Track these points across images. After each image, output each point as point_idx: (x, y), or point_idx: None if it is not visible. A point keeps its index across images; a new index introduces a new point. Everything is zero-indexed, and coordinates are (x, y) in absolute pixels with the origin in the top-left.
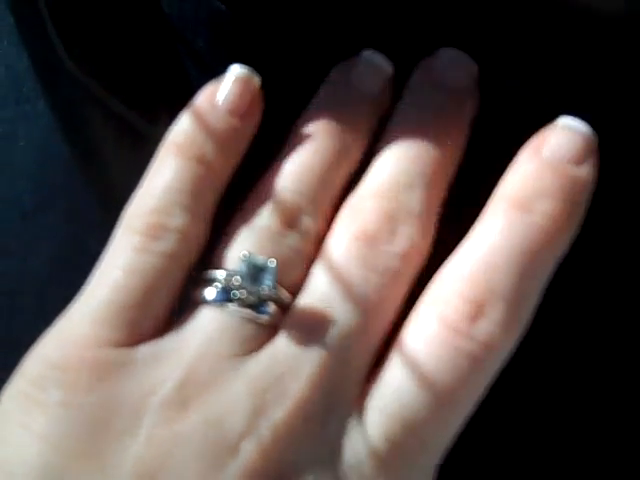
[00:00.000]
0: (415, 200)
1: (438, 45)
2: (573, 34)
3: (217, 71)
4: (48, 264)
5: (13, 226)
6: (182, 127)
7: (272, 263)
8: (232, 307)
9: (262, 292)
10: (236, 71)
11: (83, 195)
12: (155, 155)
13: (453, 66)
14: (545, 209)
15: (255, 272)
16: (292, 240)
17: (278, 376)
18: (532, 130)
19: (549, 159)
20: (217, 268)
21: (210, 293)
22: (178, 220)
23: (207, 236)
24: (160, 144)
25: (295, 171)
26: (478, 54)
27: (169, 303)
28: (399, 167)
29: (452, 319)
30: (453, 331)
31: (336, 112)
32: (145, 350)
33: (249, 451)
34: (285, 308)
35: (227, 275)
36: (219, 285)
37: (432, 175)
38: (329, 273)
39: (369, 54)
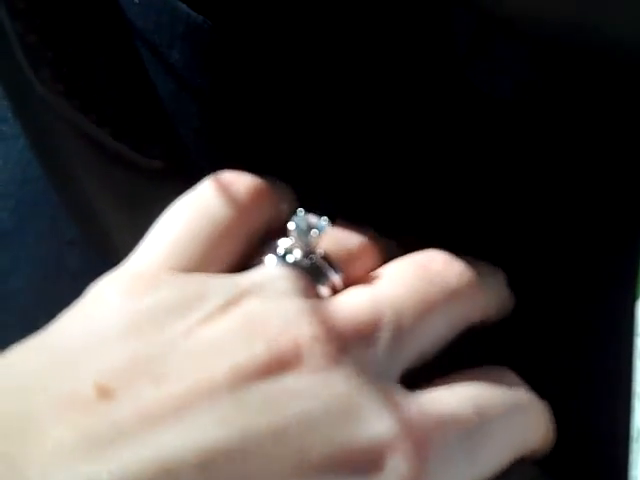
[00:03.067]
0: None
1: None
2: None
3: (193, 85)
4: (28, 282)
5: None
6: None
7: (324, 220)
8: (290, 260)
9: (312, 240)
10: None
11: (60, 214)
12: None
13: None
14: None
15: (308, 229)
16: None
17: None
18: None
19: None
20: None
21: (269, 258)
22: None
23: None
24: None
25: None
26: None
27: (231, 257)
28: None
29: None
30: None
31: None
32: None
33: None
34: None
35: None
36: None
37: None
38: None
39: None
